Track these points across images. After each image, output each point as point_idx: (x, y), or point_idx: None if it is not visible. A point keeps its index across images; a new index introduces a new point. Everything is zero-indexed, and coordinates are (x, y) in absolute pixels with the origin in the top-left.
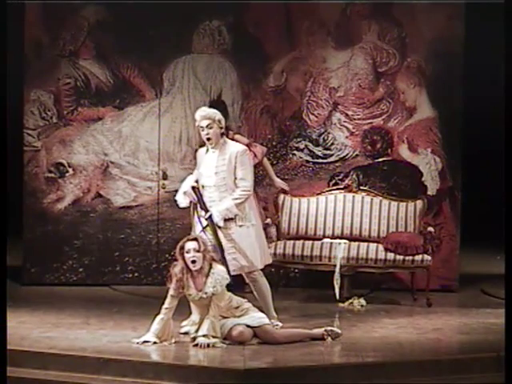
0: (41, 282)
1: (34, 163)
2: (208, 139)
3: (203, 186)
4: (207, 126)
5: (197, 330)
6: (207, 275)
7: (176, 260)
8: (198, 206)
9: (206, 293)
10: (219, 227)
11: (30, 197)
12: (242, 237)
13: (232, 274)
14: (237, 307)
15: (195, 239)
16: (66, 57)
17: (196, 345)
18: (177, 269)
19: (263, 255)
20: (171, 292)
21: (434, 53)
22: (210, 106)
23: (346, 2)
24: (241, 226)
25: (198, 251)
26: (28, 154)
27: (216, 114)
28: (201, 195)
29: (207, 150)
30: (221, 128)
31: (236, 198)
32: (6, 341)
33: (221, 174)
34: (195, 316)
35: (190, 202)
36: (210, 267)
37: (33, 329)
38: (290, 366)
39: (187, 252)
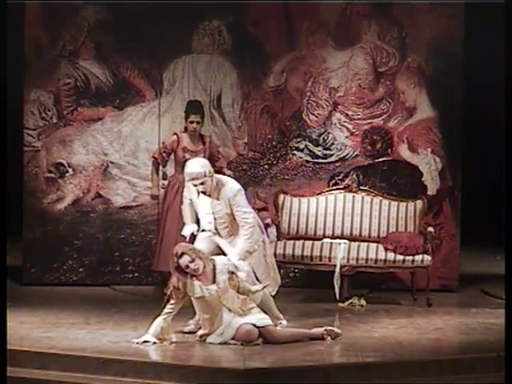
0: (41, 282)
1: (33, 163)
2: (203, 193)
3: (203, 230)
4: (201, 184)
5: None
6: (213, 268)
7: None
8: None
9: (219, 283)
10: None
11: (30, 197)
12: (255, 261)
13: None
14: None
15: (183, 254)
16: (66, 57)
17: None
18: (172, 283)
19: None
20: (173, 300)
21: (433, 53)
22: (188, 106)
23: (345, 2)
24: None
25: (193, 260)
26: (28, 154)
27: (204, 168)
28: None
29: (199, 194)
30: (211, 176)
31: (248, 238)
32: (6, 341)
33: (219, 219)
34: (201, 316)
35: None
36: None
37: (33, 329)
38: (290, 365)
39: (186, 267)
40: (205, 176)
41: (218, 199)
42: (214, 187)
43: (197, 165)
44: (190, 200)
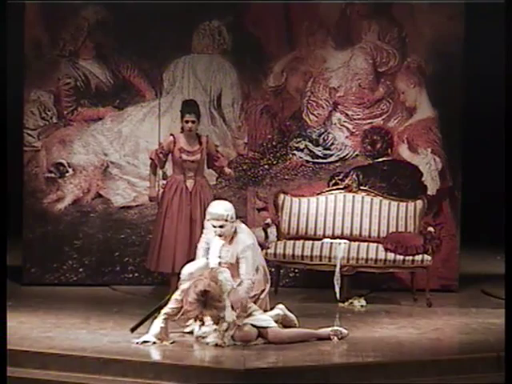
0: (41, 282)
1: (33, 163)
2: (220, 235)
3: None
4: (220, 226)
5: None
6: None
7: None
8: None
9: (222, 337)
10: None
11: (30, 197)
12: None
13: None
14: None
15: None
16: (66, 57)
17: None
18: (185, 309)
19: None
20: (175, 304)
21: (434, 53)
22: (183, 106)
23: (345, 2)
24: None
25: (201, 318)
26: (28, 153)
27: (228, 212)
28: None
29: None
30: (232, 222)
31: (247, 292)
32: (6, 341)
33: (224, 264)
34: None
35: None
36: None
37: (33, 329)
38: (290, 365)
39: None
40: (226, 220)
41: (230, 244)
42: (232, 233)
43: (221, 207)
44: (207, 244)
